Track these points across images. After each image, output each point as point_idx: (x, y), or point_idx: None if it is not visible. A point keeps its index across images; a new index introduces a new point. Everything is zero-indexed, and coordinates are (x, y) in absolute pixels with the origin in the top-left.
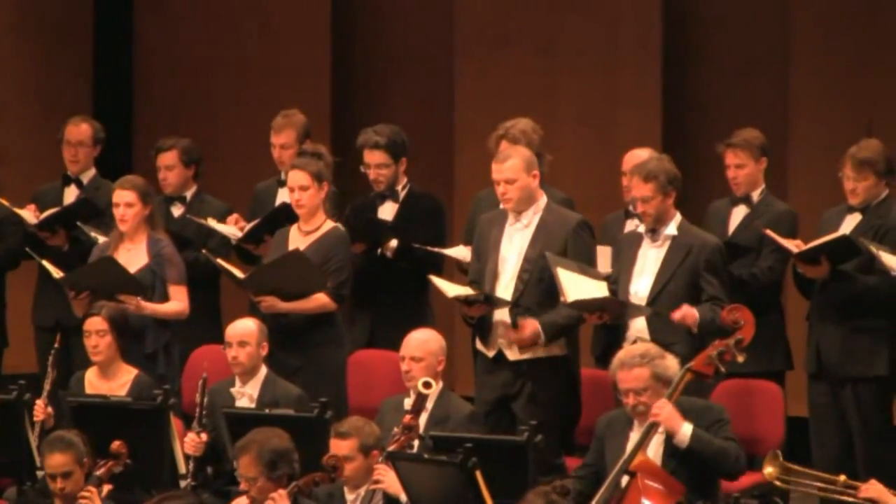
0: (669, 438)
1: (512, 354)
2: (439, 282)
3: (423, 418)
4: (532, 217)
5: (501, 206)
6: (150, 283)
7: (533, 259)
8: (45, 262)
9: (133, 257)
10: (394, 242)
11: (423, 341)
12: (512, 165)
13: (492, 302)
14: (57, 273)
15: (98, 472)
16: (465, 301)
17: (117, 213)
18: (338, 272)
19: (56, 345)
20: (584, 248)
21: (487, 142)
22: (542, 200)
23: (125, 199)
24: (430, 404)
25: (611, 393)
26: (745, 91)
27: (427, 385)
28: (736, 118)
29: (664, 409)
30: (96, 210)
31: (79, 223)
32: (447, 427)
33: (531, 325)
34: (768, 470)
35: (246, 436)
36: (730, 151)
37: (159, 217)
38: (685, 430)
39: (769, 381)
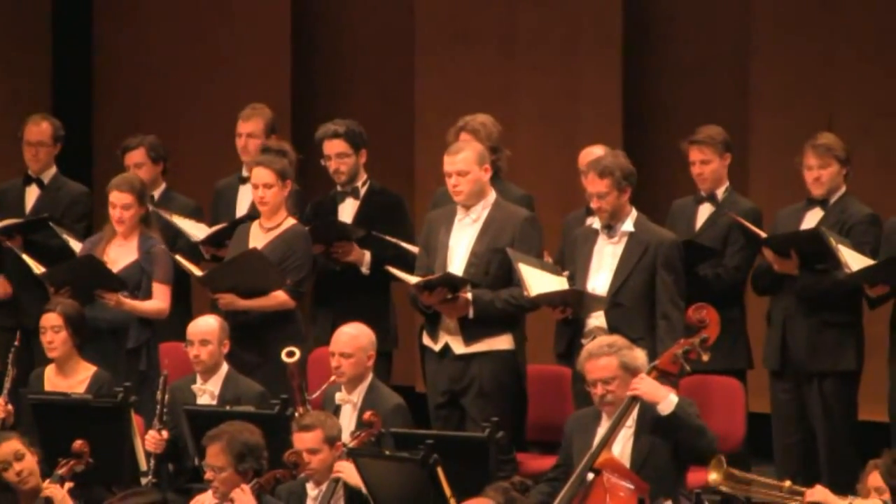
0: (638, 432)
1: (458, 347)
2: (398, 272)
3: (347, 412)
4: (481, 212)
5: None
6: (138, 280)
7: (480, 253)
8: (25, 257)
9: (124, 253)
10: (367, 257)
11: (352, 337)
12: (465, 157)
13: (453, 281)
14: (38, 268)
15: (60, 471)
16: (425, 286)
17: (114, 214)
18: (297, 269)
19: (16, 343)
20: (532, 244)
21: (447, 135)
22: (492, 196)
23: (123, 202)
24: (358, 398)
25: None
26: (706, 88)
27: (290, 354)
28: (696, 115)
29: (644, 381)
30: (50, 229)
31: (52, 224)
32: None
33: (465, 296)
34: (713, 476)
35: (218, 427)
36: (694, 148)
37: (152, 216)
38: (671, 398)
39: (730, 378)
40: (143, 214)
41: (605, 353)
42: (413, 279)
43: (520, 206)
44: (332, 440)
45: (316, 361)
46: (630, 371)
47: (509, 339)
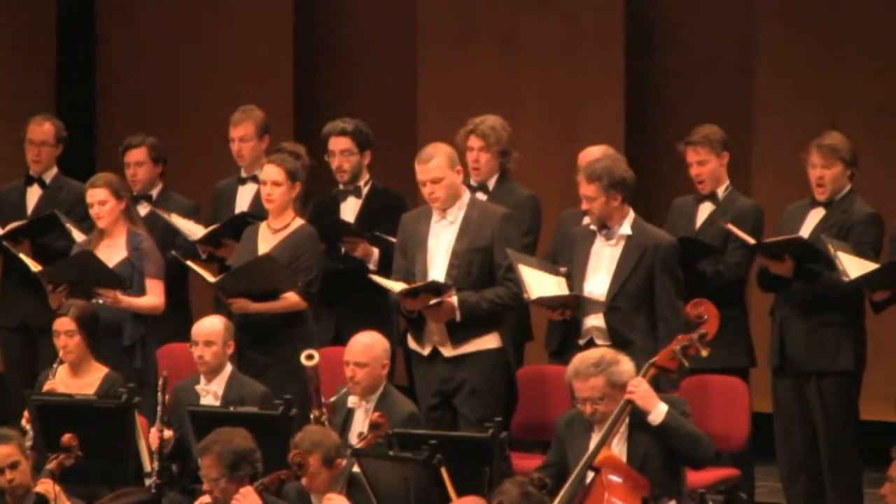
0: (632, 432)
1: (446, 351)
2: (382, 280)
3: (360, 417)
4: (457, 213)
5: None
6: (129, 277)
7: (461, 254)
8: (22, 256)
9: (112, 253)
10: (376, 254)
11: (367, 346)
12: (437, 164)
13: (437, 288)
14: (35, 266)
15: (49, 466)
16: (410, 293)
17: (92, 212)
18: (307, 270)
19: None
20: (510, 241)
21: (455, 137)
22: (466, 195)
23: (98, 198)
24: (371, 404)
25: (564, 389)
26: (709, 87)
27: (309, 357)
28: (699, 114)
29: (640, 387)
30: (60, 225)
31: (58, 215)
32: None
33: (450, 300)
34: None
35: (207, 437)
36: (691, 149)
37: (137, 212)
38: (661, 407)
39: (734, 377)
40: (124, 210)
41: (592, 373)
42: (397, 286)
43: (499, 206)
44: (329, 461)
45: (320, 362)
46: (619, 387)
47: (496, 338)
